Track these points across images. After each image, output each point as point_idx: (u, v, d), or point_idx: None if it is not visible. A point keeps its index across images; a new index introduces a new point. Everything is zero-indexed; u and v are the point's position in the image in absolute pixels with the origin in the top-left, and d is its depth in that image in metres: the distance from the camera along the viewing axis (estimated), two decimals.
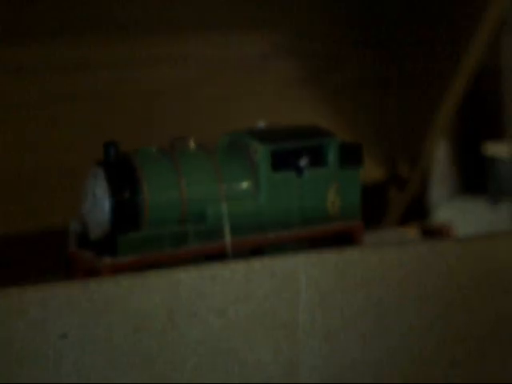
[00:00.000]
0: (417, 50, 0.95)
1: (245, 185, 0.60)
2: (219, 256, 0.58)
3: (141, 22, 0.83)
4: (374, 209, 0.74)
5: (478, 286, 0.60)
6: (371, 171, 0.95)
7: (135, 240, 0.56)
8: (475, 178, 1.21)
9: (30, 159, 0.79)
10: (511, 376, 0.62)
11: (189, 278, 0.51)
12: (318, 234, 0.62)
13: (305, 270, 0.54)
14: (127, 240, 0.56)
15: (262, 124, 0.64)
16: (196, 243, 0.57)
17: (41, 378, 0.48)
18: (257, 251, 0.60)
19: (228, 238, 0.58)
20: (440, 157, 1.20)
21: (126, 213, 0.56)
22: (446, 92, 0.93)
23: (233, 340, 0.53)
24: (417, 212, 1.02)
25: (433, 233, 0.76)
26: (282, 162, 0.60)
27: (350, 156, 0.63)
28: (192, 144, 0.60)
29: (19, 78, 0.78)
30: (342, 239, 0.63)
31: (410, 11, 0.95)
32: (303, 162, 0.60)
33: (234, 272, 0.53)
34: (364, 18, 0.95)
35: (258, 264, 0.53)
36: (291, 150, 0.61)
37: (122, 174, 0.57)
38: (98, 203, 0.57)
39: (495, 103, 1.18)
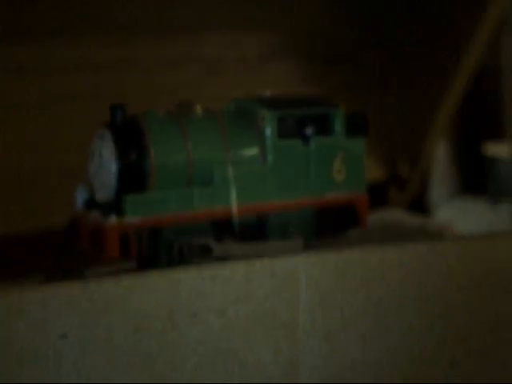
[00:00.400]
0: (417, 49, 0.95)
1: (251, 151, 0.60)
2: (225, 221, 0.58)
3: (141, 22, 0.83)
4: (374, 209, 0.74)
5: (477, 286, 0.60)
6: (371, 171, 0.95)
7: (141, 201, 0.56)
8: (475, 178, 1.21)
9: (30, 159, 0.79)
10: (511, 376, 0.61)
11: (189, 277, 0.51)
12: (324, 202, 0.62)
13: (305, 270, 0.54)
14: (133, 201, 0.56)
15: (267, 93, 0.64)
16: (202, 207, 0.58)
17: (41, 378, 0.48)
18: (262, 218, 0.60)
19: (234, 203, 0.58)
20: (440, 157, 1.20)
21: (133, 175, 0.56)
22: (445, 92, 0.93)
23: (233, 340, 0.53)
24: (417, 212, 1.02)
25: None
26: (288, 129, 0.60)
27: (356, 126, 0.63)
28: (198, 109, 0.60)
29: (19, 78, 0.78)
30: (347, 210, 0.63)
31: (410, 11, 0.95)
32: (309, 130, 0.60)
33: (233, 272, 0.53)
34: (364, 17, 0.95)
35: (258, 264, 0.53)
36: (298, 117, 0.61)
37: (129, 137, 0.57)
38: (105, 165, 0.57)
39: (495, 103, 1.17)
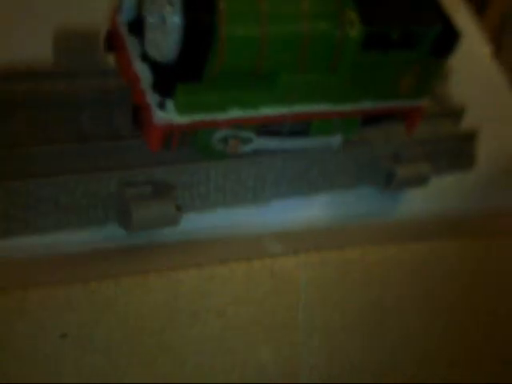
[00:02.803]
0: None
1: (326, 57, 0.53)
2: (275, 128, 0.55)
3: None
4: None
5: (477, 286, 0.60)
6: None
7: (194, 102, 0.49)
8: None
9: None
10: (511, 376, 0.62)
11: (189, 277, 0.51)
12: (379, 112, 0.58)
13: (305, 270, 0.54)
14: (186, 103, 0.49)
15: None
16: (257, 111, 0.52)
17: (41, 378, 0.48)
18: (306, 123, 0.57)
19: (291, 109, 0.53)
20: None
21: (197, 39, 0.47)
22: None
23: (233, 340, 0.53)
24: None
25: None
26: (371, 40, 0.54)
27: (443, 46, 0.58)
28: None
29: None
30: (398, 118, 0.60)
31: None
32: (394, 33, 0.55)
33: (233, 272, 0.53)
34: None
35: (258, 264, 0.53)
36: (386, 32, 0.55)
37: None
38: (167, 19, 0.47)
39: None
